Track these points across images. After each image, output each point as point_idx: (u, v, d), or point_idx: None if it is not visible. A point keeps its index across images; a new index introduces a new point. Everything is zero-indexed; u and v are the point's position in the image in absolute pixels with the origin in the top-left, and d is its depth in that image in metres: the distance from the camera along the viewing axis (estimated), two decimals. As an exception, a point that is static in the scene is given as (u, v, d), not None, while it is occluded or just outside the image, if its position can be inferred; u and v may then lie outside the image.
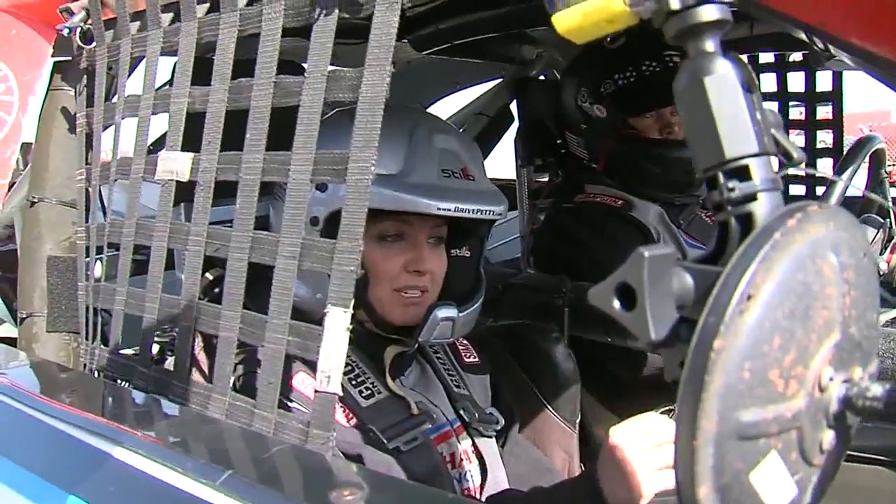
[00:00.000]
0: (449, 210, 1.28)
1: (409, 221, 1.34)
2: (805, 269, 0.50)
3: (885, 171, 2.35)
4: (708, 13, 0.56)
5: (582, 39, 0.59)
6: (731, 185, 0.55)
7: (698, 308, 0.50)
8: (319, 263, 0.95)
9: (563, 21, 0.58)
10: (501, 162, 2.92)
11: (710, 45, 0.57)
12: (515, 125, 2.85)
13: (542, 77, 2.85)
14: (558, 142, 2.52)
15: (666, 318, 0.51)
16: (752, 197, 0.55)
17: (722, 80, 0.55)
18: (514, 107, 2.86)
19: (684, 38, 0.57)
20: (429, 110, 2.96)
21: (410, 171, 1.29)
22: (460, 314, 1.39)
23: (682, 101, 0.56)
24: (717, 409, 0.47)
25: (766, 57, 2.75)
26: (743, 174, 0.56)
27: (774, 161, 0.56)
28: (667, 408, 2.22)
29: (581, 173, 2.39)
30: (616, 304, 0.52)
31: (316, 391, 0.93)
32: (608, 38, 2.18)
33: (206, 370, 1.32)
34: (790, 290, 0.49)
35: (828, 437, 0.55)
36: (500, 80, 2.97)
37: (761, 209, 0.55)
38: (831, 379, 0.54)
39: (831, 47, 0.76)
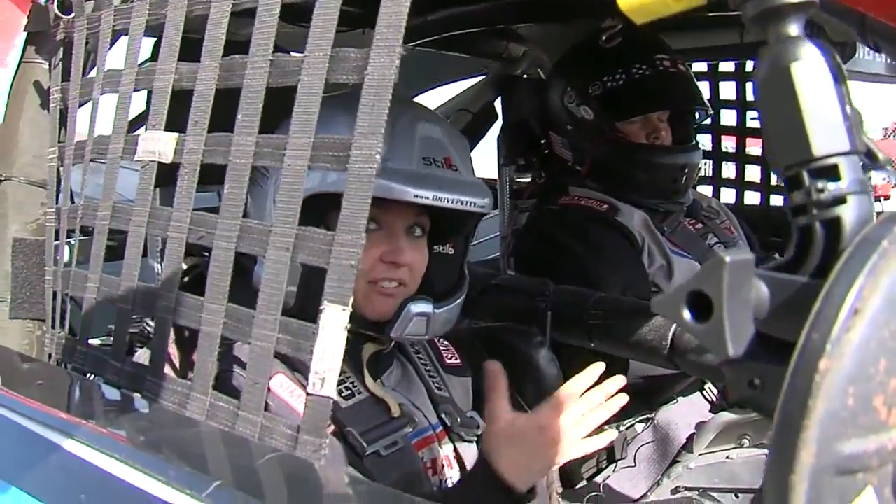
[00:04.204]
0: (426, 198, 1.22)
1: (386, 210, 1.28)
2: (913, 282, 0.45)
3: (870, 185, 2.34)
4: (792, -7, 0.50)
5: (643, 18, 0.53)
6: (819, 185, 0.49)
7: (774, 322, 0.44)
8: (316, 257, 0.89)
9: (629, -2, 0.52)
10: (483, 160, 2.87)
11: (794, 28, 0.51)
12: (499, 123, 2.80)
13: (526, 76, 2.81)
14: (542, 142, 2.47)
15: (743, 332, 0.45)
16: (841, 199, 0.50)
17: (811, 68, 0.49)
18: (498, 104, 2.81)
19: (765, 20, 0.51)
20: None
21: (389, 157, 1.23)
22: (436, 311, 1.33)
23: (763, 91, 0.50)
24: (817, 439, 0.41)
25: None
26: (831, 174, 0.50)
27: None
28: (645, 416, 2.20)
29: (565, 175, 2.36)
30: (686, 314, 0.46)
31: (308, 394, 0.87)
32: (604, 37, 2.14)
33: (178, 364, 1.25)
34: (897, 305, 0.44)
35: (924, 472, 0.49)
36: (484, 76, 2.92)
37: (850, 214, 0.49)
38: (935, 407, 0.48)
39: (880, 41, 0.71)
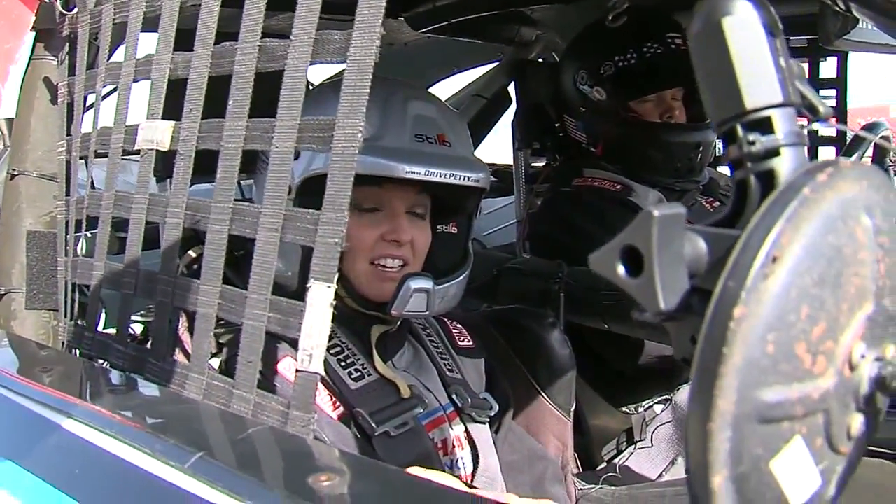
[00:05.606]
0: (419, 174, 1.23)
1: (386, 190, 1.30)
2: (836, 230, 0.44)
3: (890, 159, 2.30)
4: (723, -55, 0.50)
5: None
6: (751, 137, 0.49)
7: (713, 276, 0.44)
8: (302, 236, 0.90)
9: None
10: (498, 146, 2.87)
11: (727, -17, 0.51)
12: (513, 108, 2.79)
13: (540, 59, 2.80)
14: (556, 125, 2.46)
15: (677, 285, 0.46)
16: (774, 152, 0.49)
17: (742, 22, 0.49)
18: (511, 89, 2.80)
19: (698, -26, 0.51)
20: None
21: (381, 135, 1.25)
22: (436, 287, 1.33)
23: (697, 46, 0.50)
24: (735, 387, 0.41)
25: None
26: (765, 127, 0.50)
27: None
28: (663, 397, 2.19)
29: (579, 157, 2.35)
30: (620, 269, 0.46)
31: (297, 370, 0.88)
32: (610, 17, 2.13)
33: (190, 350, 1.27)
34: (820, 253, 0.44)
35: (856, 422, 0.49)
36: (499, 62, 2.91)
37: (785, 165, 0.49)
38: (863, 356, 0.48)
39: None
